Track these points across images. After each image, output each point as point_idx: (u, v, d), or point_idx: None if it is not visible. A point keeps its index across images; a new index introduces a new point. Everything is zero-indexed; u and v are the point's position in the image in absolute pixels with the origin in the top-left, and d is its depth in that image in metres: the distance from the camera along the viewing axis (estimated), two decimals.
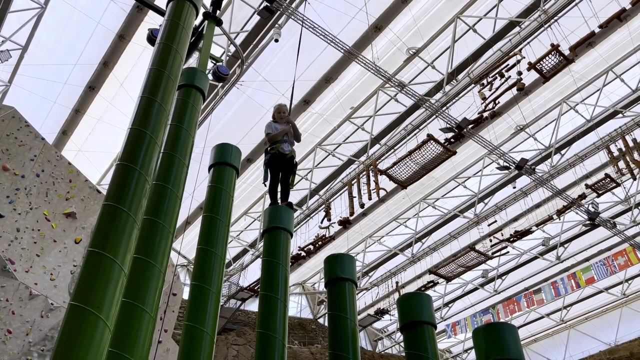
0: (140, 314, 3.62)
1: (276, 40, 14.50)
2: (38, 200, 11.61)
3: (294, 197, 20.61)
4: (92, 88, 16.12)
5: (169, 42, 4.66)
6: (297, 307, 26.25)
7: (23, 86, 15.93)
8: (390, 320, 26.12)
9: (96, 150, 17.15)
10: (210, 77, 10.04)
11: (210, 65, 9.58)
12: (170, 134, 4.71)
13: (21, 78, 15.84)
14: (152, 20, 12.83)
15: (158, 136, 4.10)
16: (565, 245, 22.30)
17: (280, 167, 6.30)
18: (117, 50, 15.25)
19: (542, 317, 25.84)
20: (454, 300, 26.18)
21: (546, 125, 18.45)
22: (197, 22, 7.23)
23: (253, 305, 21.84)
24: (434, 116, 16.48)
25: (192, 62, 7.35)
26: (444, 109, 16.26)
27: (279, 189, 6.44)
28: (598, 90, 17.22)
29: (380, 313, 23.24)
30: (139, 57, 14.90)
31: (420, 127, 17.40)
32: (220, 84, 15.26)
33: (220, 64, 8.69)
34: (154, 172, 4.21)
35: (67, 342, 2.90)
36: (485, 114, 15.66)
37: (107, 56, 15.37)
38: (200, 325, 4.27)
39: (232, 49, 14.69)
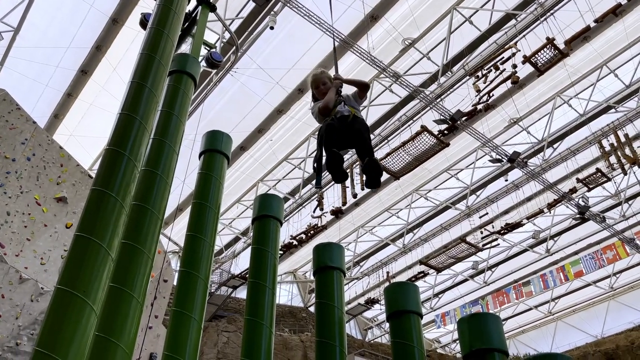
0: (127, 299, 3.63)
1: (271, 28, 14.42)
2: (29, 184, 11.56)
3: (286, 186, 20.67)
4: (85, 72, 15.98)
5: (161, 27, 4.62)
6: (288, 295, 26.39)
7: (14, 69, 15.76)
8: (381, 309, 26.31)
9: (88, 135, 17.04)
10: (203, 63, 9.99)
11: (204, 51, 9.53)
12: (160, 120, 4.69)
13: (13, 60, 15.66)
14: (146, 4, 12.70)
15: (148, 122, 4.08)
16: (555, 239, 22.51)
17: (345, 136, 4.43)
18: (110, 34, 15.11)
19: (530, 309, 26.14)
20: (444, 291, 26.41)
21: (539, 119, 18.52)
22: (191, 7, 7.18)
23: (244, 293, 21.91)
24: (428, 108, 16.49)
25: (187, 48, 7.30)
26: (438, 100, 16.27)
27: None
28: (592, 84, 17.28)
29: (371, 302, 23.41)
30: (132, 41, 14.76)
31: (414, 119, 17.41)
32: (214, 71, 15.17)
33: (214, 50, 8.64)
34: (143, 158, 4.21)
35: (53, 325, 2.91)
36: (479, 107, 15.69)
37: (100, 40, 15.22)
38: (188, 311, 4.29)
39: (227, 35, 14.59)
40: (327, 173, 4.51)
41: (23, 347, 10.23)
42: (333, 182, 19.39)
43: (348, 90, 4.94)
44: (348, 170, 17.51)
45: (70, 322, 2.90)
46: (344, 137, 4.46)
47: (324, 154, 4.48)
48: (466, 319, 4.01)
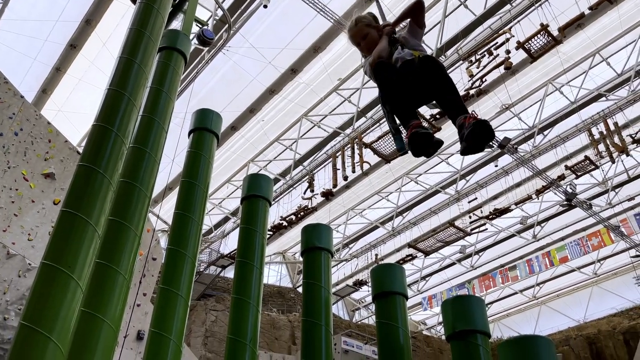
0: (114, 275, 3.63)
1: (265, 6, 14.22)
2: (16, 159, 11.43)
3: (277, 167, 20.63)
4: (74, 46, 15.70)
5: (151, 2, 4.55)
6: (276, 275, 26.56)
7: (2, 41, 15.44)
8: (368, 291, 26.57)
9: (77, 111, 16.83)
10: (195, 41, 9.84)
11: (195, 29, 9.39)
12: (149, 97, 4.65)
13: (0, 33, 15.34)
14: None
15: (137, 98, 4.04)
16: (542, 225, 22.78)
17: (417, 86, 3.24)
18: (100, 8, 14.82)
19: (515, 293, 26.55)
20: (431, 274, 26.72)
21: (531, 106, 18.57)
22: None
23: (233, 273, 22.01)
24: None
25: (178, 25, 7.18)
26: None
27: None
28: (584, 72, 17.32)
29: (359, 284, 23.63)
30: (122, 16, 14.50)
31: None
32: (206, 49, 14.98)
33: (206, 27, 8.52)
34: (132, 135, 4.17)
35: (39, 300, 2.91)
36: (472, 92, 15.70)
37: (90, 14, 14.93)
38: (175, 289, 4.31)
39: (220, 13, 14.37)
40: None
41: (11, 322, 10.23)
42: (324, 165, 19.40)
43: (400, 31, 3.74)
44: (338, 154, 17.50)
45: (56, 297, 2.91)
46: (415, 87, 3.22)
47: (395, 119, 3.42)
48: (450, 301, 4.07)
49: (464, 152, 2.94)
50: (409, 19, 3.54)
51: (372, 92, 18.01)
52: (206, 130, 5.27)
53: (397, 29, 3.65)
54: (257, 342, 4.46)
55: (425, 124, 2.74)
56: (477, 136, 2.82)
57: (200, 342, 18.20)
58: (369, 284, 22.26)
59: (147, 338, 4.35)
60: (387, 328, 4.48)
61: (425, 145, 3.05)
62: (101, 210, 3.40)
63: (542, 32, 13.24)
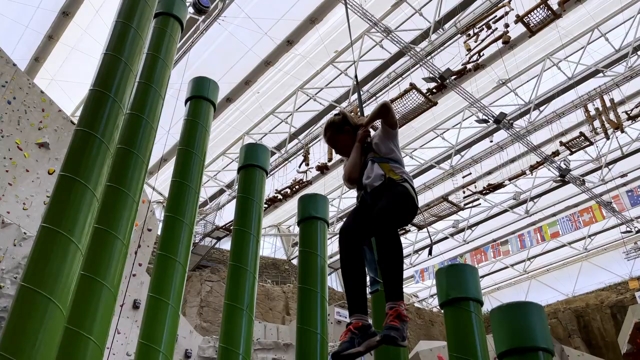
0: (112, 241, 3.66)
1: None
2: (10, 128, 11.33)
3: (272, 140, 20.56)
4: (66, 14, 15.40)
5: None
6: (271, 248, 26.75)
7: None
8: None
9: (70, 80, 16.61)
10: (190, 9, 9.67)
11: None
12: (146, 64, 4.60)
13: None
14: None
15: (133, 64, 4.01)
16: (535, 200, 22.97)
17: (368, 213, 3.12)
18: None
19: (506, 267, 26.94)
20: (423, 248, 27.00)
21: (528, 81, 18.50)
22: None
23: (228, 244, 22.16)
24: (418, 65, 16.33)
25: None
26: (428, 58, 16.11)
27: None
28: (582, 48, 17.22)
29: None
30: None
31: (403, 76, 17.26)
32: (201, 18, 14.75)
33: None
34: (128, 101, 4.15)
35: (38, 262, 2.94)
36: (469, 66, 15.61)
37: None
38: (173, 255, 4.36)
39: None
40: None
41: (6, 290, 10.32)
42: (319, 138, 19.36)
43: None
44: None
45: (56, 259, 2.94)
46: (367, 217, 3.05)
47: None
48: (444, 269, 4.14)
49: (378, 342, 2.76)
50: (382, 124, 3.42)
51: (369, 65, 17.88)
52: (203, 98, 5.25)
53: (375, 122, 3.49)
54: (254, 309, 4.55)
55: (368, 321, 2.53)
56: (387, 342, 2.72)
57: (195, 312, 18.44)
58: None
59: (145, 303, 4.41)
60: (378, 297, 4.58)
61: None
62: (99, 175, 3.41)
63: (541, 6, 13.11)
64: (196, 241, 20.44)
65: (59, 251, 3.00)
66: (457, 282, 3.95)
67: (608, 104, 16.62)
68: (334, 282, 28.03)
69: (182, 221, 4.51)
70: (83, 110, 3.65)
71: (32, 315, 2.83)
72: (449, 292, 3.92)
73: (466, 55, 15.28)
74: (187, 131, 5.10)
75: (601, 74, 17.60)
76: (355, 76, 6.03)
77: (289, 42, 16.55)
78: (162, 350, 3.98)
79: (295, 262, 26.44)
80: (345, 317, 18.72)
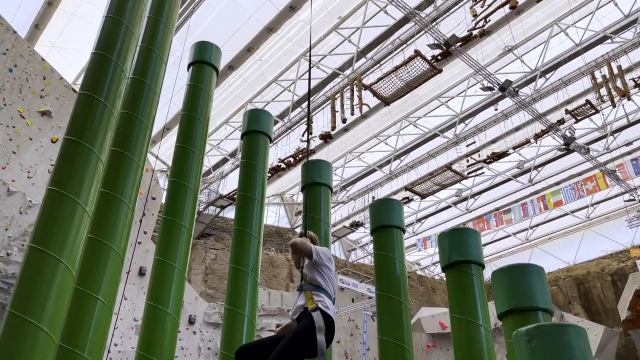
0: (118, 204, 3.70)
1: None
2: (12, 96, 11.30)
3: (275, 108, 20.44)
4: None
5: None
6: (275, 216, 26.94)
7: None
8: (364, 232, 27.09)
9: (70, 47, 16.44)
10: None
11: None
12: (147, 28, 4.55)
13: None
14: None
15: (135, 27, 3.96)
16: (539, 169, 22.91)
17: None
18: None
19: (508, 236, 27.10)
20: (426, 217, 27.14)
21: (534, 48, 18.20)
22: None
23: (232, 213, 22.31)
24: (423, 31, 16.05)
25: None
26: (433, 24, 15.82)
27: None
28: (591, 13, 16.86)
29: (355, 225, 24.03)
30: None
31: (408, 43, 16.99)
32: None
33: None
34: (131, 65, 4.12)
35: (46, 224, 2.98)
36: (475, 32, 15.32)
37: None
38: (178, 219, 4.40)
39: None
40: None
41: (14, 257, 10.48)
42: (322, 107, 19.23)
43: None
44: (337, 95, 17.29)
45: (64, 222, 2.98)
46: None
47: None
48: (447, 233, 4.19)
49: None
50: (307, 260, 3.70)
51: (373, 31, 17.59)
52: (206, 63, 5.20)
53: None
54: (259, 272, 4.62)
55: None
56: None
57: (200, 279, 18.73)
58: (365, 226, 22.56)
59: (152, 267, 4.48)
60: (384, 260, 4.62)
61: None
62: (104, 139, 3.42)
63: None
64: (200, 209, 20.59)
65: (67, 214, 3.03)
66: (459, 245, 4.00)
67: (615, 71, 16.37)
68: (337, 250, 28.33)
69: (186, 186, 4.54)
70: (86, 74, 3.64)
71: (42, 276, 2.88)
72: (451, 255, 3.97)
73: (472, 21, 14.99)
74: (190, 97, 5.08)
75: (609, 40, 17.28)
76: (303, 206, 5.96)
77: (292, 8, 16.26)
78: (170, 312, 4.07)
79: (298, 230, 26.65)
80: (349, 284, 19.00)
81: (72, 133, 3.28)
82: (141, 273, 13.71)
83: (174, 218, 4.39)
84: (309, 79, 4.59)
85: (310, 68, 4.88)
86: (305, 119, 19.10)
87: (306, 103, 19.82)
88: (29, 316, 2.76)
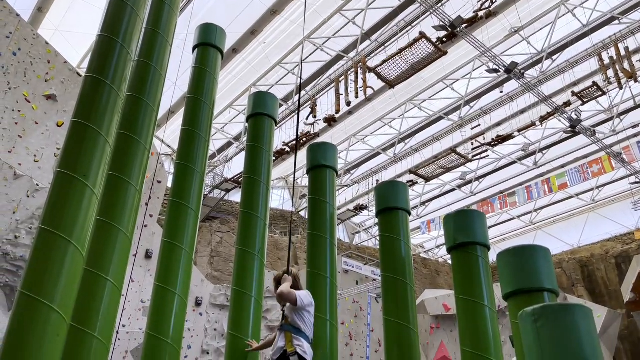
0: (126, 187, 3.73)
1: None
2: (16, 80, 11.30)
3: (279, 91, 20.36)
4: None
5: None
6: (279, 200, 27.02)
7: None
8: (369, 215, 27.16)
9: (74, 31, 16.37)
10: None
11: None
12: (152, 9, 4.53)
13: None
14: None
15: (140, 9, 3.95)
16: (544, 152, 22.81)
17: None
18: None
19: (513, 219, 27.11)
20: (431, 200, 27.15)
21: (541, 29, 17.98)
22: None
23: (237, 196, 22.39)
24: (428, 13, 15.88)
25: None
26: (439, 5, 15.63)
27: None
28: None
29: (359, 209, 24.09)
30: None
31: (413, 24, 16.82)
32: None
33: None
34: (136, 47, 4.11)
35: (55, 205, 3.01)
36: (481, 13, 15.15)
37: None
38: (185, 201, 4.43)
39: None
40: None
41: (22, 240, 10.59)
42: (327, 90, 19.15)
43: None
44: (342, 78, 17.19)
45: (73, 203, 3.01)
46: None
47: None
48: (452, 214, 4.20)
49: None
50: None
51: (378, 12, 17.41)
52: (211, 45, 5.18)
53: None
54: (265, 254, 4.66)
55: None
56: None
57: (206, 262, 18.89)
58: (369, 209, 22.58)
59: (159, 249, 4.53)
60: (389, 241, 4.65)
61: None
62: (110, 122, 3.43)
63: None
64: (205, 193, 20.68)
65: (76, 196, 3.06)
66: (464, 227, 4.01)
67: (623, 52, 16.18)
68: (341, 233, 28.45)
69: (193, 169, 4.56)
70: (92, 56, 3.63)
71: (53, 257, 2.92)
72: (457, 237, 3.99)
73: (478, 2, 14.82)
74: (195, 79, 5.07)
75: (617, 22, 17.05)
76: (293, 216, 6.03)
77: None
78: (178, 292, 4.12)
79: (302, 214, 26.75)
80: (353, 267, 19.11)
81: (79, 116, 3.29)
82: (148, 256, 13.84)
83: (181, 200, 4.42)
84: (300, 76, 4.59)
85: (302, 61, 4.84)
86: (309, 102, 19.04)
87: (310, 85, 19.74)
88: (41, 297, 2.80)
